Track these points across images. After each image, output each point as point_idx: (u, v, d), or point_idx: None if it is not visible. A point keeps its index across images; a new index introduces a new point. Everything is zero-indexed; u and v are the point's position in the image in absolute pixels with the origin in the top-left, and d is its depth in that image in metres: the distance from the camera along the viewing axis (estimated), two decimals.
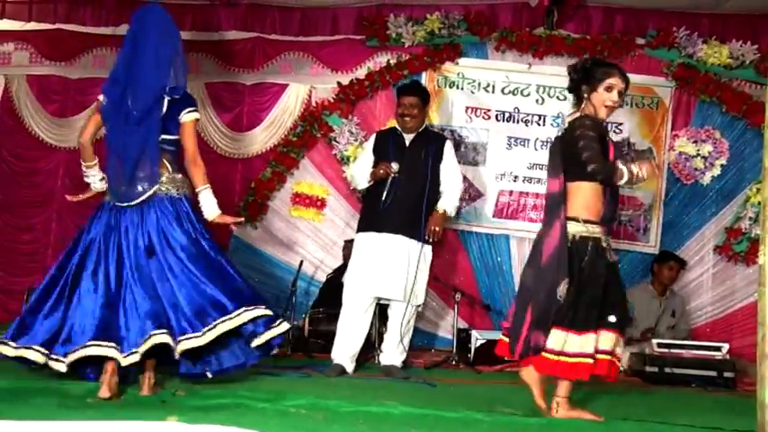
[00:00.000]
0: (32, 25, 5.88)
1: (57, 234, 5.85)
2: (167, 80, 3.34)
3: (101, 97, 3.37)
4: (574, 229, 3.06)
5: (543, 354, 3.05)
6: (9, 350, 3.17)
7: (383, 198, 4.20)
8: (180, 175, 3.40)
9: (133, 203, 3.28)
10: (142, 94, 3.28)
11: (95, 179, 3.49)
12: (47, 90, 5.96)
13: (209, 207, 3.44)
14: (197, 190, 3.42)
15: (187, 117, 3.36)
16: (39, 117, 5.90)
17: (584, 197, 3.08)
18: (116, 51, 5.82)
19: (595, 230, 3.08)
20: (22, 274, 5.79)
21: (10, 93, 5.94)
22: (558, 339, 3.03)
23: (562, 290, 3.00)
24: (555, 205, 3.12)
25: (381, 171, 4.22)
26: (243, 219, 4.86)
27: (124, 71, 3.33)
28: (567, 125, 3.18)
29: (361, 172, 4.38)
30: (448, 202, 4.32)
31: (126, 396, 3.13)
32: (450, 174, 4.34)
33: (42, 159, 5.91)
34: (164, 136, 3.33)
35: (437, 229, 4.24)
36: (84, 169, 3.47)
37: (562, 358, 3.01)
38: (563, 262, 3.02)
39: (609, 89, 3.13)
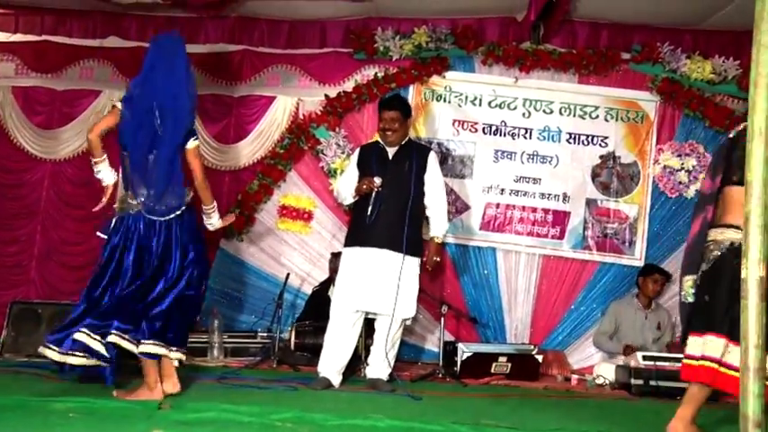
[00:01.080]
0: (19, 37, 5.87)
1: (41, 246, 5.80)
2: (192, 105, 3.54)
3: (119, 104, 3.43)
4: (734, 236, 2.85)
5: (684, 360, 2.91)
6: (54, 354, 3.28)
7: (368, 213, 4.20)
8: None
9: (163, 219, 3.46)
10: (176, 116, 3.42)
11: (107, 174, 3.50)
12: (33, 102, 5.93)
13: (216, 221, 3.76)
14: (206, 208, 3.68)
15: (191, 144, 3.52)
16: (24, 129, 5.86)
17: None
18: (103, 63, 5.89)
19: None
20: (6, 287, 5.74)
21: None
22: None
23: (686, 288, 2.89)
24: (701, 204, 3.03)
25: (364, 186, 4.23)
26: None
27: (153, 91, 3.41)
28: (741, 128, 2.97)
29: (346, 187, 4.39)
30: (439, 227, 4.34)
31: (111, 409, 3.10)
32: (435, 187, 4.35)
33: (28, 171, 5.88)
34: None
35: (437, 259, 4.34)
36: (93, 165, 3.48)
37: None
38: (692, 260, 2.92)
39: None
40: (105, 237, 3.50)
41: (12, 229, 5.90)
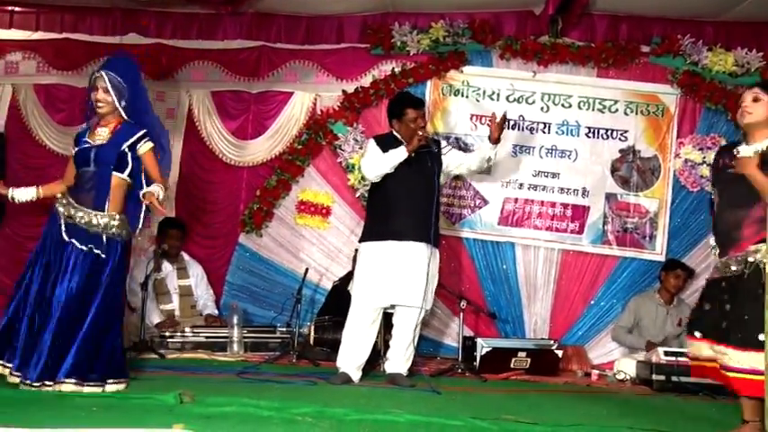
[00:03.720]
0: (40, 34, 5.91)
1: None
2: None
3: None
4: None
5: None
6: None
7: (391, 205, 4.22)
8: None
9: None
10: None
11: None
12: (54, 99, 5.98)
13: None
14: None
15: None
16: (46, 126, 5.91)
17: None
18: None
19: None
20: None
21: (17, 102, 5.95)
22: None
23: None
24: None
25: (417, 138, 4.20)
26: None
27: None
28: None
29: (383, 158, 4.24)
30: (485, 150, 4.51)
31: (132, 403, 3.14)
32: (456, 155, 4.51)
33: (49, 168, 5.91)
34: None
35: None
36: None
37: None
38: None
39: None
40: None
41: (34, 225, 5.94)
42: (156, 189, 3.61)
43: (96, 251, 3.49)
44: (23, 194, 3.78)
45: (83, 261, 3.48)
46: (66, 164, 3.88)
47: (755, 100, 3.07)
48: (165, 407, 3.06)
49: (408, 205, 4.20)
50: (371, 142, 4.48)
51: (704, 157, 5.45)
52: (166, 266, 5.41)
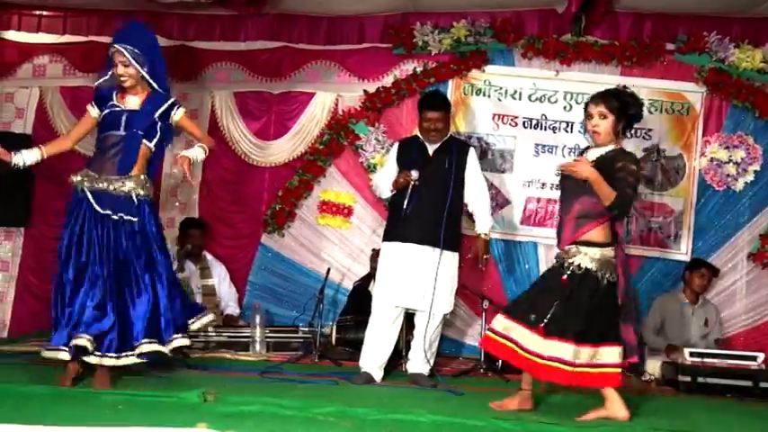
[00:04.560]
0: (67, 38, 6.00)
1: None
2: None
3: None
4: None
5: None
6: None
7: (404, 207, 4.21)
8: None
9: None
10: None
11: None
12: (80, 101, 6.02)
13: None
14: None
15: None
16: (72, 128, 5.99)
17: None
18: None
19: None
20: None
21: (44, 104, 6.05)
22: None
23: None
24: None
25: (401, 179, 4.23)
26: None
27: None
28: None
29: (384, 180, 4.40)
30: (484, 223, 4.34)
31: (157, 401, 3.17)
32: (477, 184, 4.35)
33: (75, 169, 6.00)
34: None
35: (486, 256, 4.35)
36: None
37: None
38: None
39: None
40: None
41: (61, 226, 5.98)
42: (195, 152, 3.65)
43: (128, 217, 3.53)
44: (29, 157, 3.69)
45: (122, 229, 3.53)
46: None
47: (602, 116, 3.44)
48: (188, 405, 3.09)
49: (419, 208, 4.18)
50: (392, 149, 4.52)
51: (730, 156, 5.38)
52: (189, 267, 5.46)
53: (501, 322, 3.44)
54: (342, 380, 4.12)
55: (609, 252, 3.36)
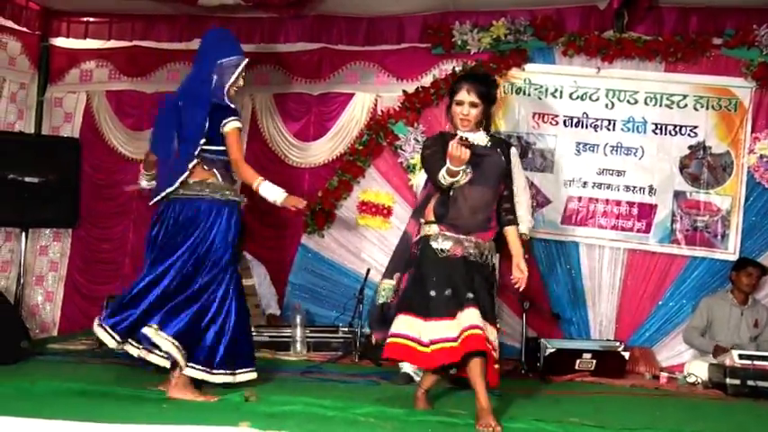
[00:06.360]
0: (112, 43, 6.15)
1: (133, 244, 6.05)
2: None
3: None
4: None
5: None
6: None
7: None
8: None
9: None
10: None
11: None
12: (124, 104, 6.20)
13: None
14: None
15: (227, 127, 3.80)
16: (117, 131, 6.13)
17: None
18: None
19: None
20: (102, 282, 6.01)
21: (91, 108, 6.21)
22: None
23: None
24: None
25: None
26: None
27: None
28: None
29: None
30: (524, 223, 4.26)
31: (199, 401, 3.21)
32: (518, 183, 4.30)
33: (119, 172, 6.14)
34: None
35: (526, 256, 4.15)
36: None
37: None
38: None
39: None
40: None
41: (106, 227, 6.18)
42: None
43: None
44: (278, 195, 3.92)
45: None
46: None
47: (473, 105, 3.34)
48: (231, 405, 3.14)
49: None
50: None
51: None
52: None
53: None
54: (382, 380, 4.12)
55: None
